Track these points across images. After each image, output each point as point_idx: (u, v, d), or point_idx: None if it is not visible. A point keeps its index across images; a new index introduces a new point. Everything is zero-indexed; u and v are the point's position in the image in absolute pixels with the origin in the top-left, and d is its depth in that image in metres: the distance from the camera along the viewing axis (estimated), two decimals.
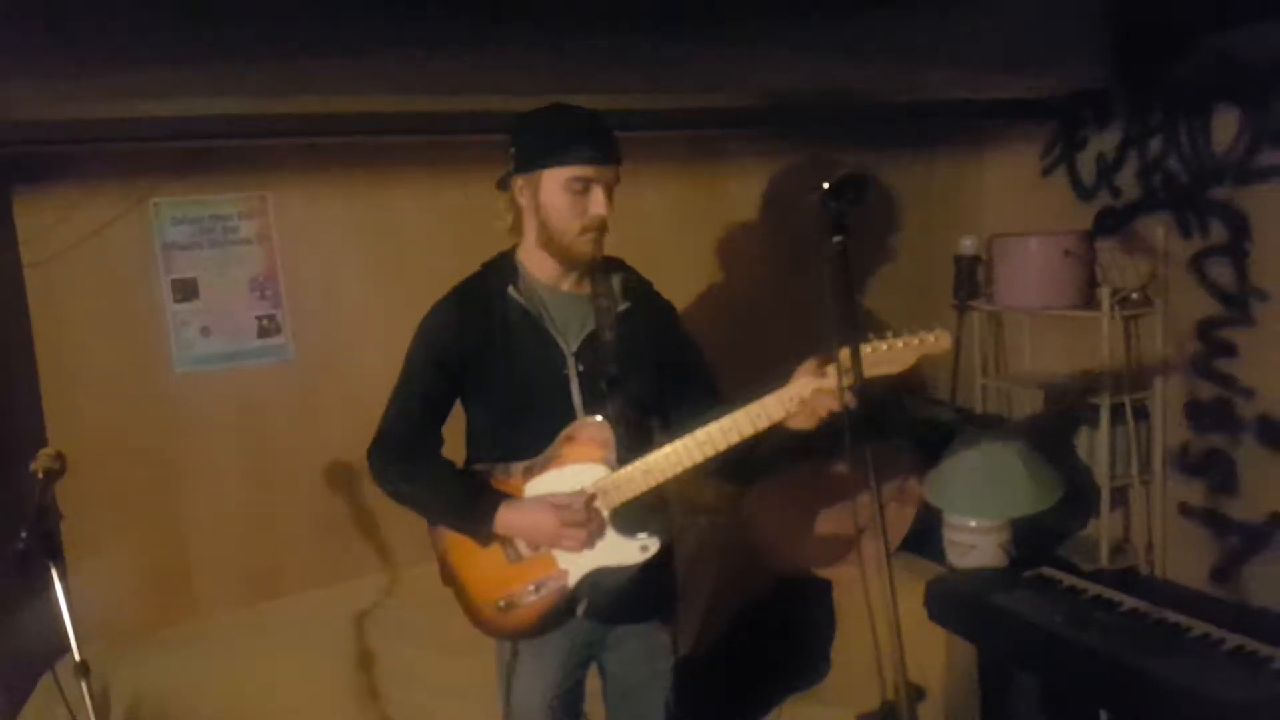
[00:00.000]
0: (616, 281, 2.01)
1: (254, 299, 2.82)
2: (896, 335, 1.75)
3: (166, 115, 2.40)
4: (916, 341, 1.74)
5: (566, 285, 1.96)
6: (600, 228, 1.86)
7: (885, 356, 1.75)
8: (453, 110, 2.69)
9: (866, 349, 1.73)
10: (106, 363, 2.67)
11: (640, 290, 2.03)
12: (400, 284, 2.94)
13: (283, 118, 2.53)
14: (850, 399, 1.71)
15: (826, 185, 1.60)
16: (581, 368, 1.92)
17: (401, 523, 2.92)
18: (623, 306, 1.98)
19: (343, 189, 2.89)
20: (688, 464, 1.84)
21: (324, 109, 2.54)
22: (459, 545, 1.98)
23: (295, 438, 2.87)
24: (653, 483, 1.86)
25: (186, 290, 2.74)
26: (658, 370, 2.00)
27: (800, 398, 1.78)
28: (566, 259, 1.90)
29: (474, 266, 2.12)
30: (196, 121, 2.47)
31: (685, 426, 1.84)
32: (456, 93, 2.54)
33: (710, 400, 1.92)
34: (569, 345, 1.93)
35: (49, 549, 1.80)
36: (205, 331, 2.77)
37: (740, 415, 1.80)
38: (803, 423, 1.81)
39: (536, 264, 1.95)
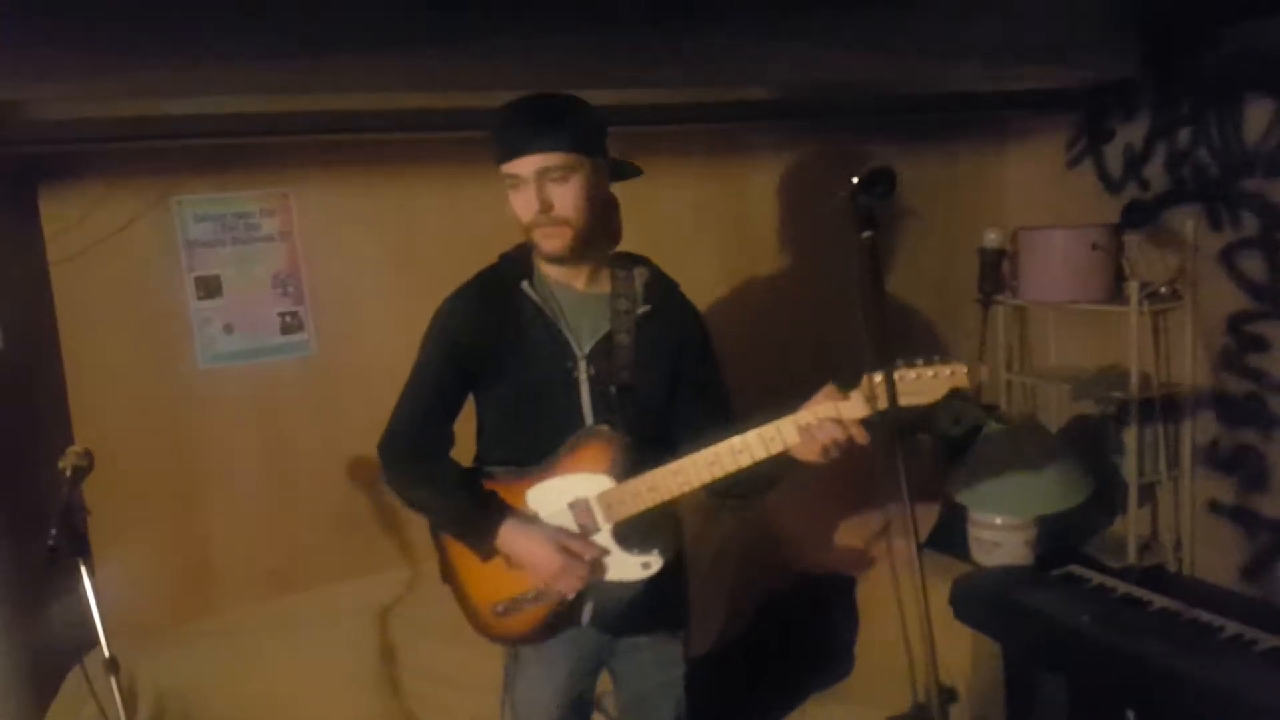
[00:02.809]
0: (639, 281, 1.90)
1: (276, 295, 2.82)
2: (927, 363, 1.62)
3: (189, 113, 2.41)
4: (949, 372, 1.61)
5: (580, 283, 1.87)
6: (553, 224, 1.75)
7: (914, 386, 1.62)
8: (474, 106, 2.68)
9: (894, 376, 1.59)
10: (131, 359, 2.68)
11: (663, 292, 1.92)
12: (421, 280, 2.91)
13: (304, 115, 2.53)
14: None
15: (855, 180, 1.58)
16: (593, 371, 1.83)
17: (420, 517, 2.95)
18: (643, 309, 1.87)
19: (364, 186, 2.89)
20: (695, 484, 1.74)
21: (345, 106, 2.53)
22: (459, 545, 1.91)
23: (317, 433, 2.88)
24: (657, 500, 1.77)
25: (209, 287, 2.75)
26: (673, 379, 1.90)
27: (810, 425, 1.67)
28: (540, 255, 1.83)
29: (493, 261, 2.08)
30: (219, 119, 2.48)
31: (690, 446, 1.75)
32: (478, 88, 2.52)
33: (721, 419, 1.81)
34: (581, 347, 1.84)
35: (77, 546, 1.82)
36: (228, 328, 2.78)
37: (752, 437, 1.70)
38: (806, 454, 1.69)
39: (543, 259, 1.85)
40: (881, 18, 2.35)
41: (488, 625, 1.93)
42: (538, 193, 1.73)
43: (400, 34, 2.21)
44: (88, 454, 1.94)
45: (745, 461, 1.71)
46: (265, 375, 2.82)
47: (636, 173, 1.97)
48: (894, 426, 1.55)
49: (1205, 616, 2.34)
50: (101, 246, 2.60)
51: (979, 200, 3.68)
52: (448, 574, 1.99)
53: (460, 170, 2.95)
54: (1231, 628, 2.28)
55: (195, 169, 2.69)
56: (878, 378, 1.61)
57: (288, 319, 2.85)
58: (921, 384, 1.61)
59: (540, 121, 1.75)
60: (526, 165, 1.73)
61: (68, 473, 1.89)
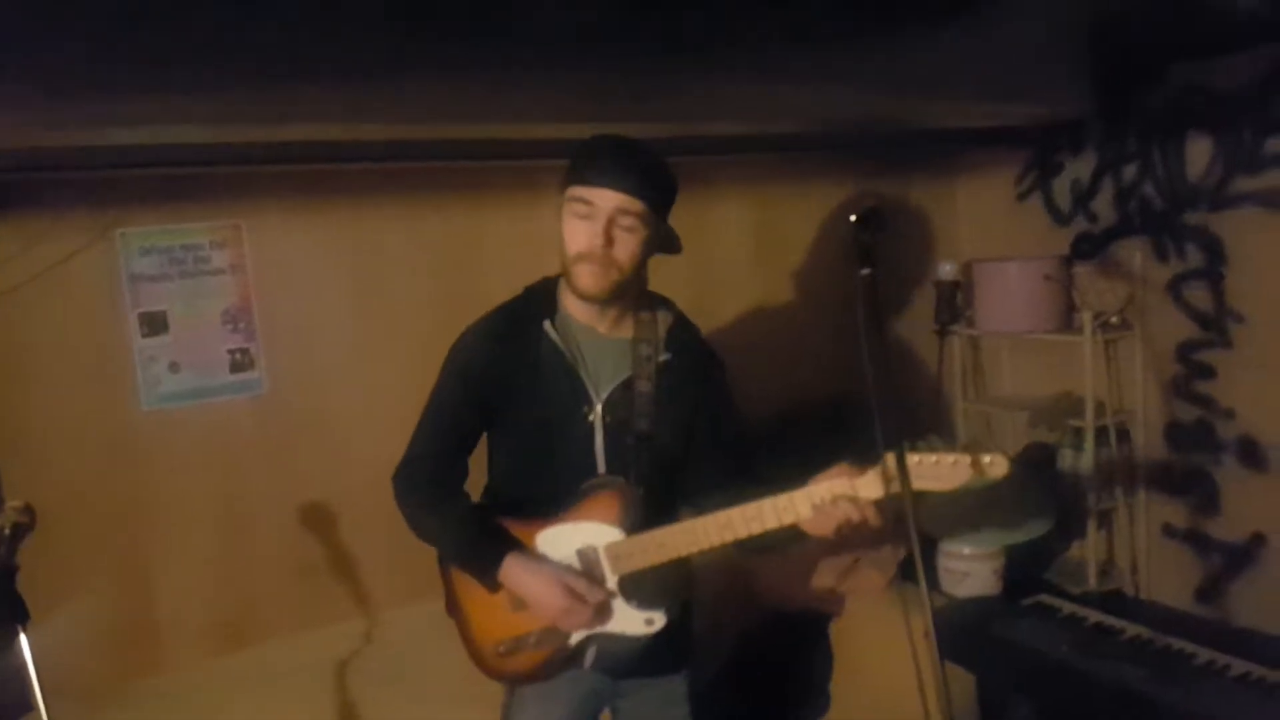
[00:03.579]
0: (662, 327, 1.87)
1: (226, 332, 2.69)
2: (948, 449, 1.59)
3: (138, 143, 2.29)
4: (969, 461, 1.56)
5: (603, 327, 1.84)
6: (598, 261, 1.72)
7: (931, 471, 1.57)
8: (434, 138, 2.62)
9: (913, 460, 1.55)
10: (69, 401, 2.51)
11: (686, 340, 1.90)
12: (379, 316, 2.85)
13: (257, 145, 2.43)
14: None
15: (854, 218, 1.56)
16: (608, 419, 1.80)
17: (380, 565, 2.84)
18: (664, 357, 1.84)
19: (320, 217, 2.78)
20: (704, 545, 1.72)
21: (301, 136, 2.44)
22: (466, 579, 1.88)
23: (269, 477, 2.74)
24: (666, 557, 1.75)
25: (155, 324, 2.60)
26: (691, 429, 1.87)
27: (824, 501, 1.63)
28: (572, 289, 1.79)
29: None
30: (167, 149, 2.36)
31: (705, 499, 1.73)
32: (438, 120, 2.47)
33: (739, 472, 1.78)
34: (599, 393, 1.81)
35: (16, 612, 1.70)
36: (174, 367, 2.63)
37: (766, 505, 1.67)
38: (818, 529, 1.66)
39: (571, 299, 1.83)
40: (855, 57, 2.37)
41: (489, 663, 1.90)
42: (605, 228, 1.71)
43: (359, 64, 2.14)
44: (29, 510, 1.80)
45: (756, 530, 1.69)
46: (214, 416, 2.68)
47: (678, 250, 1.92)
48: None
49: (1177, 643, 2.38)
50: (39, 282, 2.43)
51: (930, 232, 3.74)
52: (452, 607, 1.96)
53: (420, 202, 2.88)
54: (1204, 654, 2.32)
55: (142, 200, 2.54)
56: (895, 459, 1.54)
57: (238, 356, 2.72)
58: (941, 469, 1.57)
59: (636, 164, 1.73)
60: (607, 199, 1.71)
61: (6, 530, 1.76)
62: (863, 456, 1.62)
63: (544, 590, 1.75)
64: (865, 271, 1.56)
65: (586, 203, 1.72)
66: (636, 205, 1.72)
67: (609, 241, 1.72)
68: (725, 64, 2.42)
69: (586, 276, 1.75)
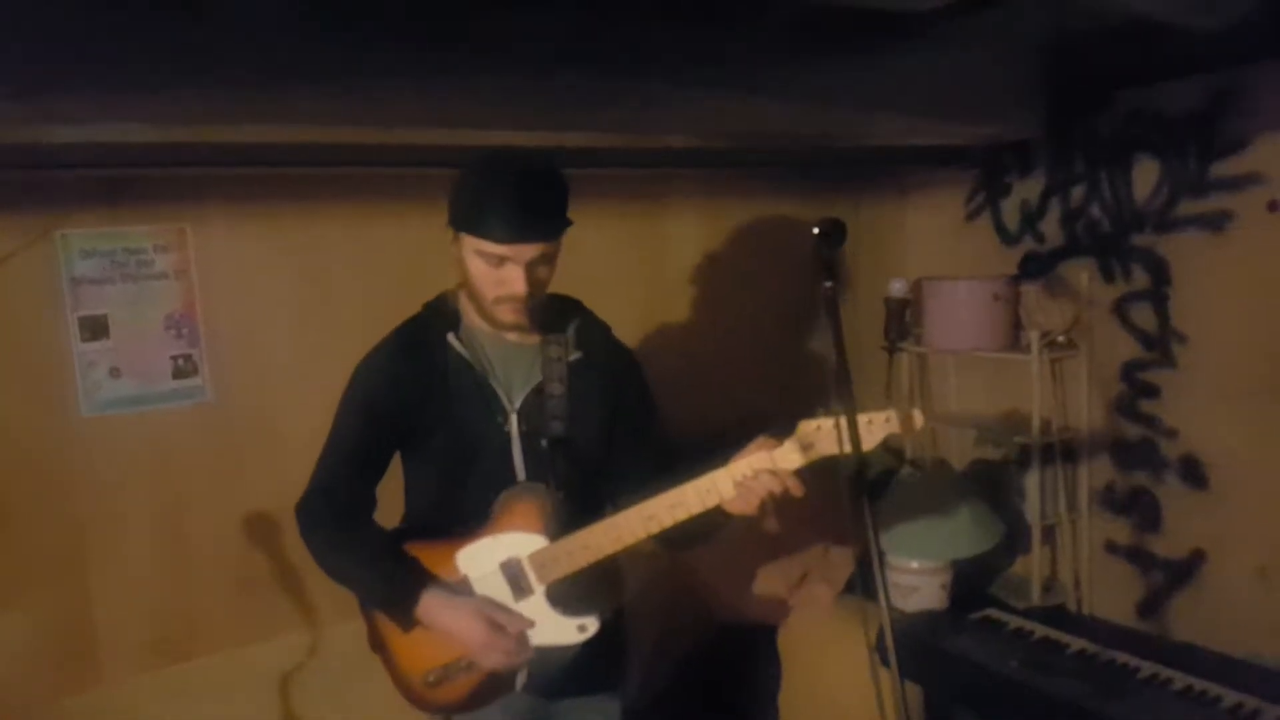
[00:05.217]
0: (571, 327, 1.84)
1: (169, 338, 2.62)
2: (862, 411, 1.59)
3: (78, 142, 2.22)
4: (883, 419, 1.59)
5: (512, 334, 1.79)
6: (517, 299, 1.69)
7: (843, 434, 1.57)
8: (387, 143, 2.58)
9: (827, 424, 1.57)
10: (5, 407, 2.43)
11: (596, 337, 1.87)
12: (329, 323, 2.79)
13: (204, 147, 2.38)
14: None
15: (816, 231, 1.57)
16: (524, 427, 1.77)
17: (324, 577, 2.75)
18: (574, 356, 1.81)
19: (268, 222, 2.72)
20: (629, 540, 1.68)
21: (249, 139, 2.39)
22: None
23: (212, 486, 2.68)
24: (593, 558, 1.71)
25: (95, 328, 2.53)
26: (609, 428, 1.84)
27: (746, 477, 1.62)
28: (490, 322, 1.76)
29: (409, 306, 1.97)
30: (111, 149, 2.29)
31: (630, 497, 1.69)
32: (390, 125, 2.43)
33: (661, 468, 1.75)
34: (512, 401, 1.78)
35: None
36: (115, 373, 2.56)
37: (689, 490, 1.64)
38: (742, 507, 1.64)
39: (474, 311, 1.79)
40: (808, 73, 2.39)
41: (419, 696, 1.84)
42: (527, 276, 1.67)
43: (311, 67, 2.11)
44: None
45: (681, 515, 1.66)
46: (156, 424, 2.60)
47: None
48: (860, 479, 1.53)
49: (1122, 658, 2.41)
50: None
51: (879, 251, 3.78)
52: (376, 643, 1.89)
53: (372, 208, 2.83)
54: (1147, 668, 2.36)
55: (83, 201, 2.47)
56: (812, 425, 1.59)
57: (181, 362, 2.65)
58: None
59: (543, 210, 1.68)
60: (523, 252, 1.66)
61: None
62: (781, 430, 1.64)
63: (464, 625, 1.70)
64: (828, 284, 1.56)
65: (497, 256, 1.67)
66: (552, 246, 1.70)
67: (536, 287, 1.70)
68: (681, 78, 2.43)
69: (509, 314, 1.72)
